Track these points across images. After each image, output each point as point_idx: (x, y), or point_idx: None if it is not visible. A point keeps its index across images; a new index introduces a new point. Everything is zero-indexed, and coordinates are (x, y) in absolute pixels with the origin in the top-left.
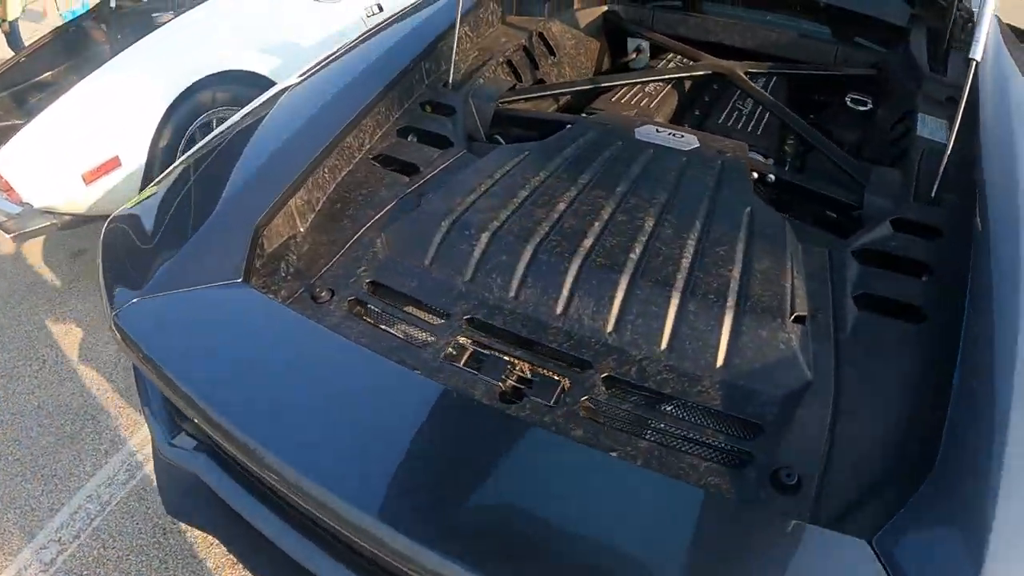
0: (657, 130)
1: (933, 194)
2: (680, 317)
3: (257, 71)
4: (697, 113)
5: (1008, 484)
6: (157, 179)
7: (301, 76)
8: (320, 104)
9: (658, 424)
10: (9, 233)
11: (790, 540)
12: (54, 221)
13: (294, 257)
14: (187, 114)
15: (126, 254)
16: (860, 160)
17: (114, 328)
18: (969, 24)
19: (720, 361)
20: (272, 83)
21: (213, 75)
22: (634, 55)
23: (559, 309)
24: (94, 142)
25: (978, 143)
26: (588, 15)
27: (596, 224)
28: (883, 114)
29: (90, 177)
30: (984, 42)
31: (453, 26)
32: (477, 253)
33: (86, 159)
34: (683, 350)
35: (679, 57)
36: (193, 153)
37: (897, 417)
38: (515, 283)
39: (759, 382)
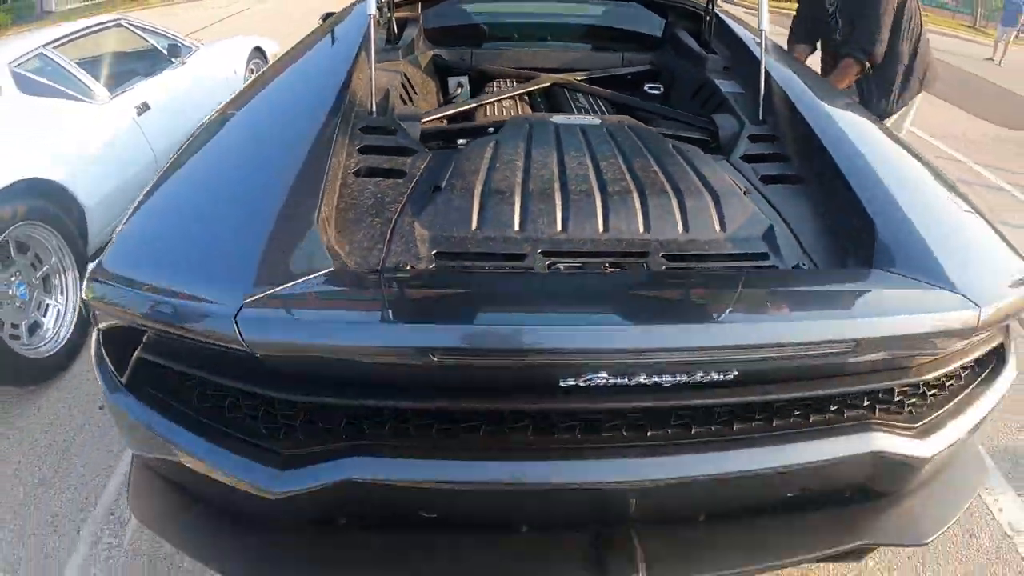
0: (567, 118)
1: (760, 117)
2: (683, 211)
3: (50, 178)
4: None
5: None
6: (135, 207)
7: (220, 112)
8: (281, 130)
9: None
10: None
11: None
12: None
13: (347, 250)
14: None
15: (176, 269)
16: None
17: (239, 326)
18: (708, 19)
19: (718, 228)
20: (65, 188)
21: (7, 187)
22: (458, 90)
23: (601, 228)
24: None
25: (766, 87)
26: (424, 59)
27: (592, 171)
28: (677, 91)
29: None
30: (767, 16)
31: (353, 72)
32: (518, 209)
33: None
34: (698, 231)
35: (506, 81)
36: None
37: (825, 220)
38: (559, 220)
39: (750, 231)
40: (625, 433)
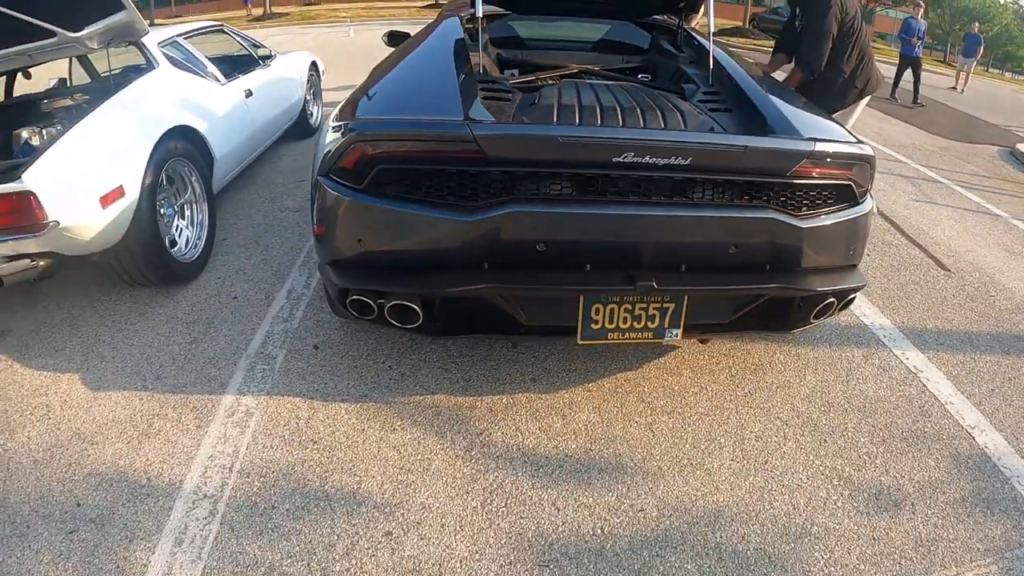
0: (597, 80)
1: (711, 83)
2: (664, 118)
3: (196, 128)
4: None
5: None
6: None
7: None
8: (436, 72)
9: None
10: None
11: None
12: (37, 264)
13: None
14: (160, 159)
15: (412, 111)
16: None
17: (471, 128)
18: (680, 32)
19: (683, 126)
20: (204, 138)
21: (173, 128)
22: (511, 78)
23: (621, 124)
24: (106, 169)
25: (713, 67)
26: (491, 55)
27: (614, 100)
28: (661, 77)
29: (104, 202)
30: (713, 26)
31: (461, 53)
32: (577, 114)
33: (101, 184)
34: (671, 127)
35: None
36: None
37: (742, 124)
38: (599, 120)
39: (700, 128)
40: (641, 194)
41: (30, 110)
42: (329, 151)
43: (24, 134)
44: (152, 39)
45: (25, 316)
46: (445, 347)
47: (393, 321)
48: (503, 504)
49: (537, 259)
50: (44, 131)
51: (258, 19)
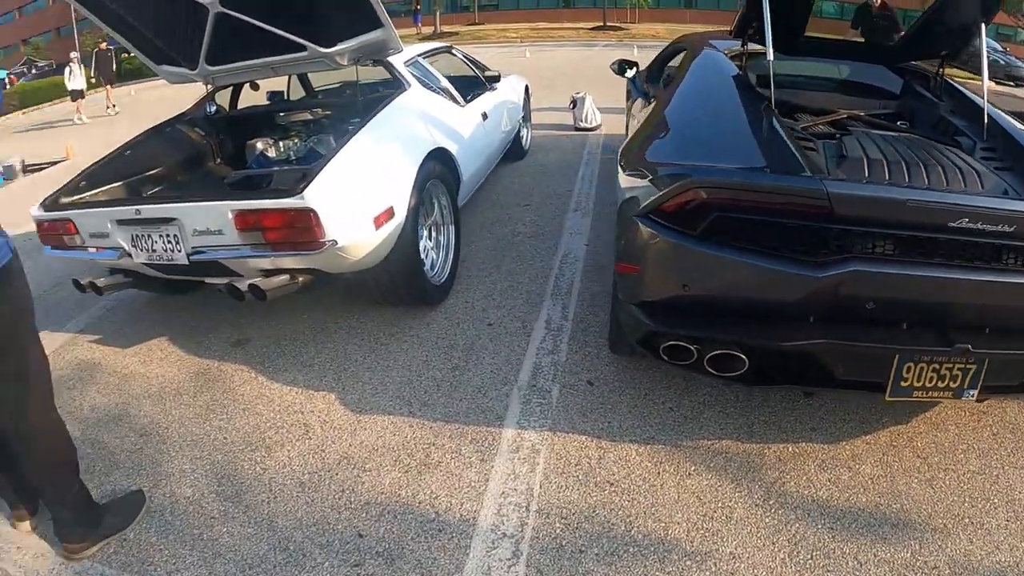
0: (883, 133)
1: (984, 138)
2: (964, 178)
3: (449, 149)
4: None
5: None
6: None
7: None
8: (728, 109)
9: None
10: (263, 295)
11: None
12: (298, 280)
13: None
14: (423, 180)
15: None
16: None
17: (826, 186)
18: (939, 79)
19: (981, 186)
20: (454, 160)
21: (433, 150)
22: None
23: (925, 182)
24: (379, 190)
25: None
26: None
27: (916, 159)
28: (920, 124)
29: (377, 222)
30: (987, 86)
31: (750, 91)
32: (886, 171)
33: (375, 205)
34: (970, 187)
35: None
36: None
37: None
38: (905, 176)
39: (996, 190)
40: (964, 257)
41: (262, 121)
42: (639, 194)
43: (259, 145)
44: (398, 58)
45: (262, 326)
46: (722, 391)
47: (711, 369)
48: (809, 556)
49: (862, 316)
50: (280, 143)
51: (428, 38)
